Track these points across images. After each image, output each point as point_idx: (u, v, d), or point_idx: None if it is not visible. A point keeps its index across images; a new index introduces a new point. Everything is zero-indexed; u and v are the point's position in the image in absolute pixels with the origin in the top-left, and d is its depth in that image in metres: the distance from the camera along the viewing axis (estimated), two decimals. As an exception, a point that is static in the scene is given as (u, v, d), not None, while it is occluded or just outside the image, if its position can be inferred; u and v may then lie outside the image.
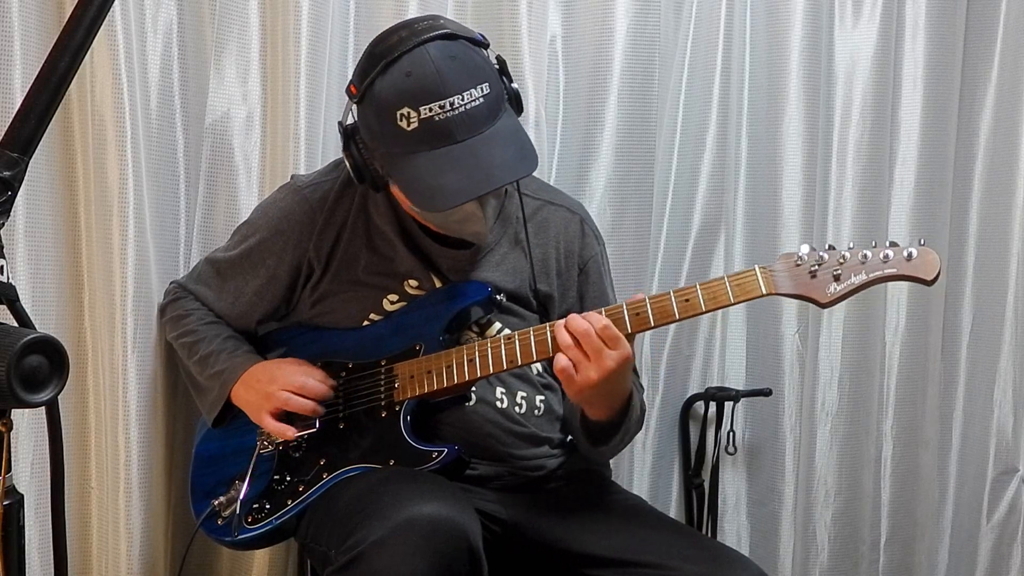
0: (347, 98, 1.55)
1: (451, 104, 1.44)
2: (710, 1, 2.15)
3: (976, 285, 2.37)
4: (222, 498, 1.63)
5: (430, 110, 1.44)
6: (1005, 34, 2.29)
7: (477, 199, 1.51)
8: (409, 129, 1.46)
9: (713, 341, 2.26)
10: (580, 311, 1.51)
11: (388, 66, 1.47)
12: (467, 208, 1.52)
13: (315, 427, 1.62)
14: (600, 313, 1.46)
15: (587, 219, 1.80)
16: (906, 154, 2.27)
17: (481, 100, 1.46)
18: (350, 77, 1.55)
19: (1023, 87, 2.31)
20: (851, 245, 1.43)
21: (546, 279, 1.71)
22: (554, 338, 1.47)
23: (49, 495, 1.19)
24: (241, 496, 1.62)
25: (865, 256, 1.41)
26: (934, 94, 2.25)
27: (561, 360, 1.44)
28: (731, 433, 2.20)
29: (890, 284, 2.23)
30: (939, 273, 1.40)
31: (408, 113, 1.45)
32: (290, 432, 1.60)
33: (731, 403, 2.19)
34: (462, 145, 1.46)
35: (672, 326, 2.20)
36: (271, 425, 1.61)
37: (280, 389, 1.60)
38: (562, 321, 1.47)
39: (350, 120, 1.57)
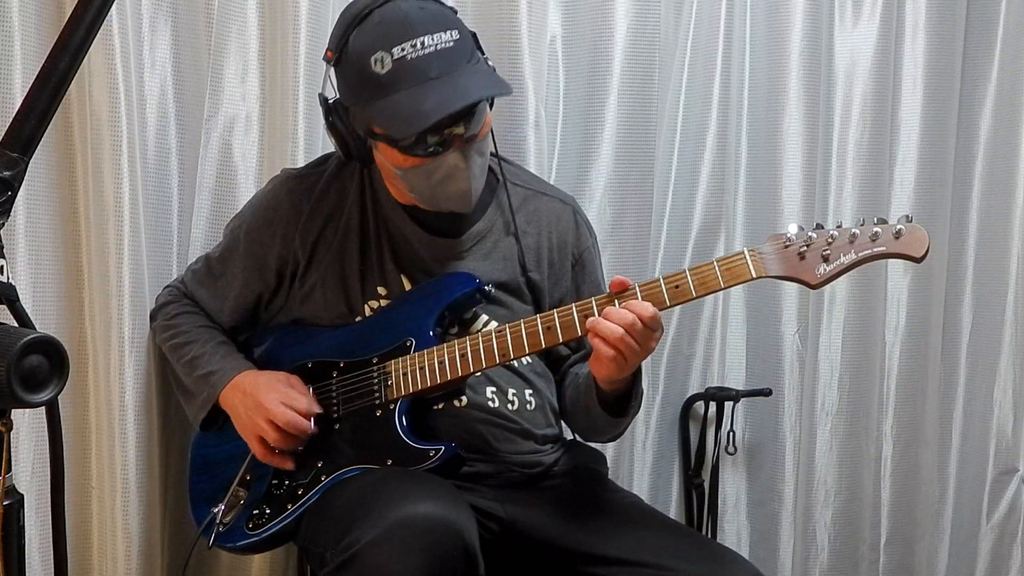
0: (325, 65, 1.57)
1: (422, 44, 1.47)
2: (710, 1, 2.15)
3: (976, 285, 2.36)
4: (222, 505, 1.63)
5: (402, 50, 1.47)
6: (1005, 34, 2.29)
7: (460, 152, 1.53)
8: (384, 72, 1.48)
9: (713, 341, 2.25)
10: (575, 301, 1.51)
11: (360, 22, 1.50)
12: (450, 161, 1.53)
13: (311, 430, 1.61)
14: (638, 298, 1.44)
15: (579, 210, 1.80)
16: (906, 154, 2.27)
17: (452, 43, 1.49)
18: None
19: (1023, 87, 2.31)
20: (839, 224, 1.43)
21: (537, 268, 1.71)
22: (595, 329, 1.43)
23: (49, 495, 1.19)
24: (243, 502, 1.62)
25: (853, 235, 1.40)
26: (934, 94, 2.25)
27: (609, 352, 1.42)
28: (731, 433, 2.20)
29: (891, 283, 2.28)
30: (928, 249, 1.39)
31: (382, 57, 1.48)
32: (276, 461, 1.61)
33: (731, 403, 2.19)
34: (438, 79, 1.48)
35: (672, 326, 2.20)
36: (257, 451, 1.62)
37: (265, 420, 1.59)
38: (597, 318, 1.44)
39: (329, 91, 1.58)
